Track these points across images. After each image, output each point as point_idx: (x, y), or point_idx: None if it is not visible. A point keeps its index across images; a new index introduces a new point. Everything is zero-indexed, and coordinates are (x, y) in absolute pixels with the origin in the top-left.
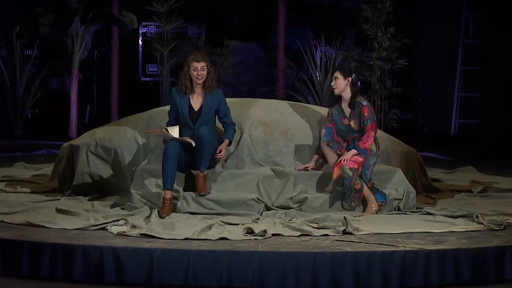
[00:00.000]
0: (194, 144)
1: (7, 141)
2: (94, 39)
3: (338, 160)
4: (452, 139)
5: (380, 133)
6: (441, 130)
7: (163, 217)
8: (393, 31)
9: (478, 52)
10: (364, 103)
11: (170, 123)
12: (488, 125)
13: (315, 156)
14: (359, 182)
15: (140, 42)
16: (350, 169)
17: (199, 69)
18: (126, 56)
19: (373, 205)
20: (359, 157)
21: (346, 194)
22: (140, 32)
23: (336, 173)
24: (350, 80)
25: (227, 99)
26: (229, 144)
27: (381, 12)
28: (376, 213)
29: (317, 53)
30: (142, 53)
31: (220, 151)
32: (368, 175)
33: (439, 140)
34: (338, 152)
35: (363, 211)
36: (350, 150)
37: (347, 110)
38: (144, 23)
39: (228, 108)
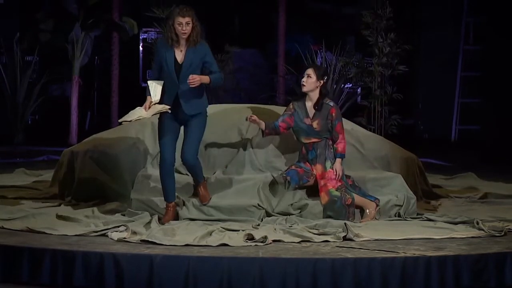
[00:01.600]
0: (169, 112)
1: (7, 147)
2: (94, 45)
3: (324, 184)
4: (453, 145)
5: (381, 139)
6: (442, 136)
7: (164, 224)
8: (393, 37)
9: (478, 58)
10: (331, 103)
11: (153, 76)
12: (488, 131)
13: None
14: (349, 196)
15: (141, 48)
16: (337, 189)
17: (183, 24)
18: (126, 62)
19: (370, 209)
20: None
21: (341, 214)
22: (140, 38)
23: (324, 199)
24: (321, 83)
25: (228, 105)
26: (209, 83)
27: (381, 18)
28: (375, 217)
29: (318, 59)
30: (143, 59)
31: (193, 78)
32: (348, 182)
33: (439, 146)
34: (308, 180)
35: (361, 217)
36: (320, 158)
37: (311, 110)
38: (144, 29)
39: (214, 60)
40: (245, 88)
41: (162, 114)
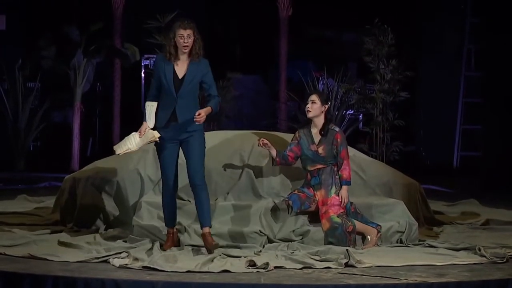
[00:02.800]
0: (158, 141)
1: (9, 174)
2: (96, 72)
3: (325, 210)
4: (454, 172)
5: (382, 165)
6: (444, 162)
7: (165, 250)
8: (395, 63)
9: (479, 85)
10: (337, 129)
11: (152, 95)
12: (490, 157)
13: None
14: (350, 223)
15: (143, 75)
16: (338, 216)
17: (185, 36)
18: (128, 88)
19: (371, 235)
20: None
21: (342, 241)
22: (142, 64)
23: (325, 225)
24: (326, 108)
25: (230, 131)
26: (211, 112)
27: (383, 44)
28: (377, 243)
29: (319, 85)
30: (145, 85)
31: (200, 114)
32: (351, 209)
33: (441, 172)
34: (310, 206)
35: (363, 244)
36: (324, 184)
37: (317, 137)
38: (146, 55)
39: (214, 81)
40: (247, 114)
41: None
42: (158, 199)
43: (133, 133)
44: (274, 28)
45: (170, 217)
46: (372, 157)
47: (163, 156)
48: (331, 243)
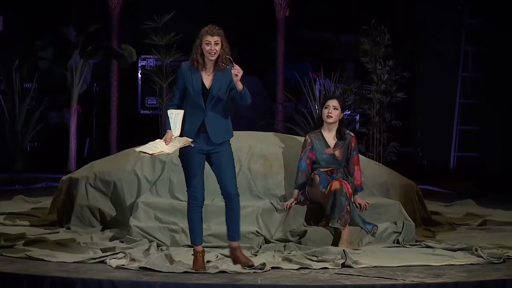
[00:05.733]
0: (193, 145)
1: (6, 175)
2: (93, 73)
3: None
4: (451, 172)
5: (379, 166)
6: (440, 163)
7: (201, 272)
8: (392, 64)
9: (477, 86)
10: (352, 133)
11: (175, 104)
12: (487, 158)
13: (296, 191)
14: (349, 207)
15: (139, 75)
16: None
17: (212, 43)
18: (125, 89)
19: (346, 238)
20: (350, 187)
21: (337, 210)
22: (139, 65)
23: (335, 186)
24: (343, 114)
25: None
26: (242, 89)
27: (380, 45)
28: (373, 235)
29: (316, 86)
30: (141, 86)
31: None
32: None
33: (438, 173)
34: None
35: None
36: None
37: (331, 141)
38: (143, 56)
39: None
40: (245, 116)
41: (184, 148)
42: (155, 199)
43: (158, 139)
44: (271, 29)
45: (197, 232)
46: (369, 158)
47: (192, 166)
48: (335, 199)
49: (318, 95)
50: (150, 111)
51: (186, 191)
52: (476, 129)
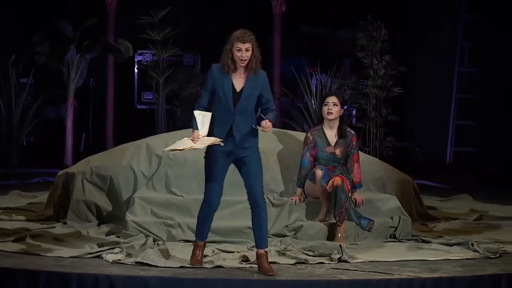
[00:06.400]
0: (222, 144)
1: (2, 169)
2: (89, 67)
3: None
4: (448, 167)
5: (376, 161)
6: (437, 158)
7: (196, 266)
8: (388, 59)
9: (473, 81)
10: (353, 131)
11: (202, 107)
12: (483, 153)
13: (299, 190)
14: (347, 204)
15: (136, 70)
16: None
17: (243, 50)
18: (121, 84)
19: (342, 235)
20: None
21: (337, 206)
22: (135, 60)
23: (337, 182)
24: (342, 110)
25: None
26: (269, 122)
27: (376, 40)
28: (369, 230)
29: (313, 81)
30: (138, 81)
31: (267, 123)
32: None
33: (434, 168)
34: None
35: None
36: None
37: (332, 138)
38: (139, 51)
39: (272, 94)
40: None
41: (211, 149)
42: (151, 194)
43: (186, 138)
44: (268, 24)
45: (204, 230)
46: (365, 153)
47: (214, 169)
48: (336, 195)
49: (314, 90)
50: (147, 106)
51: (204, 193)
52: (472, 124)
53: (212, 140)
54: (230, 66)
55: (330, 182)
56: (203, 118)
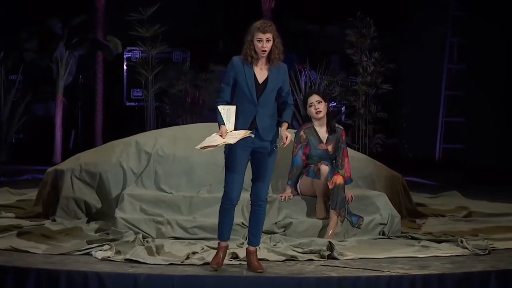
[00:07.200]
0: (253, 136)
1: None
2: (78, 64)
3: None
4: (437, 164)
5: (365, 158)
6: (426, 155)
7: (215, 268)
8: (377, 56)
9: (462, 77)
10: (341, 127)
11: (225, 101)
12: (472, 150)
13: (291, 187)
14: (344, 208)
15: (125, 67)
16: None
17: (264, 40)
18: (110, 81)
19: (333, 232)
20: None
21: (338, 205)
22: (124, 57)
23: (340, 180)
24: (328, 105)
25: (213, 124)
26: (287, 127)
27: (365, 37)
28: (358, 226)
29: (302, 78)
30: (127, 78)
31: (286, 137)
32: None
33: (423, 164)
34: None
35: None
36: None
37: (323, 135)
38: (128, 48)
39: (290, 89)
40: None
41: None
42: (141, 191)
43: (214, 133)
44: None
45: (226, 228)
46: (354, 149)
47: (235, 163)
48: (338, 193)
49: (303, 87)
50: (136, 103)
51: (223, 187)
52: (462, 120)
53: (243, 133)
54: (253, 57)
55: (332, 179)
56: (227, 112)
